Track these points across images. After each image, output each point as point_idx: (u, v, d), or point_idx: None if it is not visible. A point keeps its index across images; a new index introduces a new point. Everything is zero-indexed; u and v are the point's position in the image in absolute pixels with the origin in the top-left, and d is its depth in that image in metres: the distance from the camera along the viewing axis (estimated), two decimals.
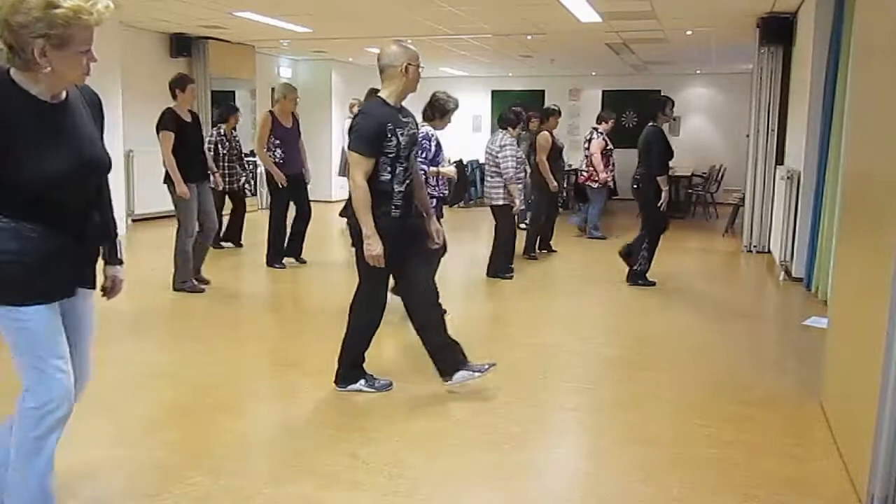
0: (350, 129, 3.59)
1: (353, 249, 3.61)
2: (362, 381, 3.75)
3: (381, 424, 3.42)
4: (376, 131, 3.41)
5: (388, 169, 3.46)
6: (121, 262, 2.38)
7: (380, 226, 3.43)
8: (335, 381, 3.76)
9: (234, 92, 11.34)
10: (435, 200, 5.01)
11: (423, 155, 4.90)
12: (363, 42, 10.76)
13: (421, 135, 4.69)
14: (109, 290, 2.37)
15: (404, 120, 3.54)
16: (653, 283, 6.45)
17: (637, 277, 6.46)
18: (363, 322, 3.72)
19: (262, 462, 3.00)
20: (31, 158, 1.95)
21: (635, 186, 6.40)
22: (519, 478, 2.92)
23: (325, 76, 12.97)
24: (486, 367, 3.76)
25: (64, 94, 2.06)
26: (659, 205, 6.23)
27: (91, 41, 1.97)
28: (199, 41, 10.38)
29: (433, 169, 5.01)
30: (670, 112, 6.50)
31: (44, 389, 2.07)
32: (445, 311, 4.31)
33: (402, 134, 3.47)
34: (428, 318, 3.74)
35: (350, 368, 3.76)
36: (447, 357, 3.74)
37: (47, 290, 2.05)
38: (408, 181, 3.56)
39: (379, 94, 3.58)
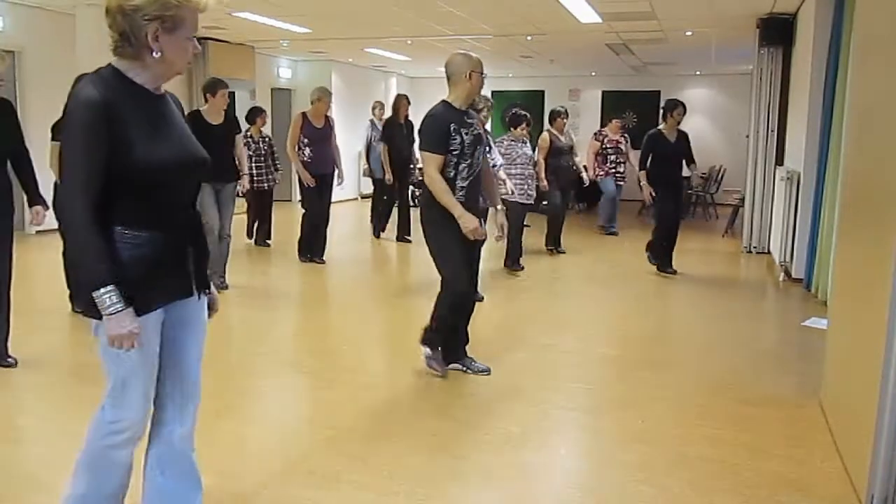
0: (419, 130, 3.92)
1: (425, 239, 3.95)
2: (429, 351, 3.99)
3: (382, 424, 3.42)
4: (442, 131, 3.71)
5: (453, 165, 3.76)
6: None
7: (444, 216, 3.72)
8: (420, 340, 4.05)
9: (233, 93, 11.31)
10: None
11: None
12: (363, 42, 10.77)
13: None
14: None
15: (469, 121, 3.83)
16: (655, 264, 7.12)
17: (650, 258, 7.22)
18: (445, 302, 3.90)
19: (263, 462, 2.99)
20: (142, 144, 1.92)
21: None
22: (519, 478, 2.92)
23: (324, 77, 12.95)
24: (481, 369, 4.03)
25: (162, 90, 2.07)
26: (651, 199, 6.89)
27: (197, 28, 2.01)
28: (198, 41, 10.37)
29: None
30: (678, 116, 6.86)
31: (122, 408, 2.04)
32: (482, 298, 5.48)
33: (466, 133, 3.75)
34: (465, 304, 3.97)
35: (432, 332, 3.98)
36: (455, 345, 4.04)
37: (155, 299, 2.00)
38: (471, 177, 3.81)
39: (445, 99, 3.88)
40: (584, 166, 9.16)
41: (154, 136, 1.96)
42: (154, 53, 1.92)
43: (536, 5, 7.62)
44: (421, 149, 3.82)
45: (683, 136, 6.96)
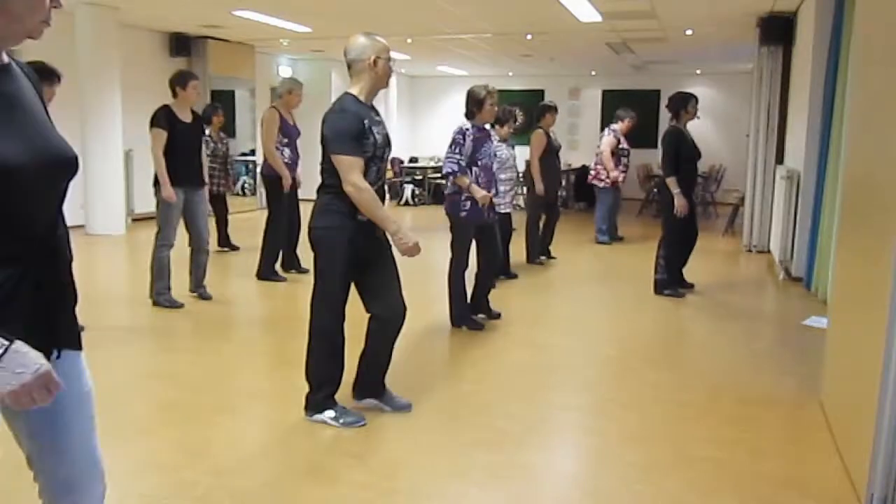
0: (325, 130, 3.18)
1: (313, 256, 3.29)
2: (330, 413, 3.34)
3: (382, 424, 3.42)
4: (358, 128, 3.12)
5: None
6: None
7: (344, 228, 3.15)
8: (304, 408, 3.39)
9: (233, 91, 11.37)
10: (469, 202, 4.81)
11: (457, 150, 4.77)
12: None
13: (454, 130, 4.82)
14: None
15: (377, 118, 3.27)
16: (681, 295, 6.13)
17: (660, 287, 6.15)
18: (324, 341, 3.33)
19: (262, 462, 2.99)
20: None
21: (656, 190, 6.12)
22: (519, 478, 2.92)
23: (324, 76, 12.97)
24: (402, 405, 3.51)
25: (6, 59, 1.44)
26: (675, 212, 5.86)
27: None
28: (198, 40, 10.39)
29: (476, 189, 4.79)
30: (693, 109, 5.98)
31: None
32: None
33: (377, 132, 3.20)
34: (394, 332, 3.39)
35: (317, 392, 3.37)
36: (373, 379, 3.50)
37: None
38: (378, 183, 3.25)
39: (349, 91, 3.25)
40: (596, 167, 8.58)
41: None
42: None
43: (536, 4, 7.62)
44: (334, 152, 3.12)
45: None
